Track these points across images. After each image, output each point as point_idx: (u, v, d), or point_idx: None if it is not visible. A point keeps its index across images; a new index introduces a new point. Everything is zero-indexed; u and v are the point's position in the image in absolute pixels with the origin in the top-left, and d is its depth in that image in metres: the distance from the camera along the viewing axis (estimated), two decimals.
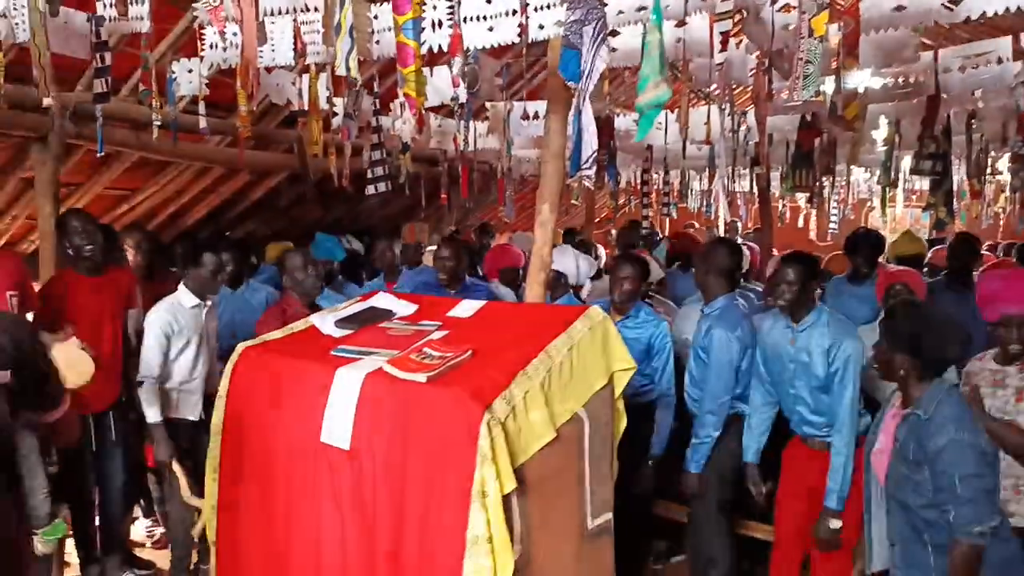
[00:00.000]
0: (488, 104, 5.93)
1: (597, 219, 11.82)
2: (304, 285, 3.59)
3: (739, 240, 8.72)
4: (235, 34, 3.69)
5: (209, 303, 3.66)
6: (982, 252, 4.94)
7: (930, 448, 2.14)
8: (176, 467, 3.37)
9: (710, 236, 8.61)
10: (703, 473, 3.32)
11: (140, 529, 4.38)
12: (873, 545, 2.55)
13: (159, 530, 4.38)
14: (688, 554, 3.74)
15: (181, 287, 3.60)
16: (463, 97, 4.25)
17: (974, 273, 4.51)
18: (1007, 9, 3.15)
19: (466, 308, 2.88)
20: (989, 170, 7.31)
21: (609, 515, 2.60)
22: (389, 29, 3.35)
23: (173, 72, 4.35)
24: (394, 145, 5.75)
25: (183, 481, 3.28)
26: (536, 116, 5.86)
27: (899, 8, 3.38)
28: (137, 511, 4.34)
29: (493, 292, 4.24)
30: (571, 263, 4.39)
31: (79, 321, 3.46)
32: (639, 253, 5.47)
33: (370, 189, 4.70)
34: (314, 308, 3.53)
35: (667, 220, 9.59)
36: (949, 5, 3.20)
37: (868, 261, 4.44)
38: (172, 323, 3.48)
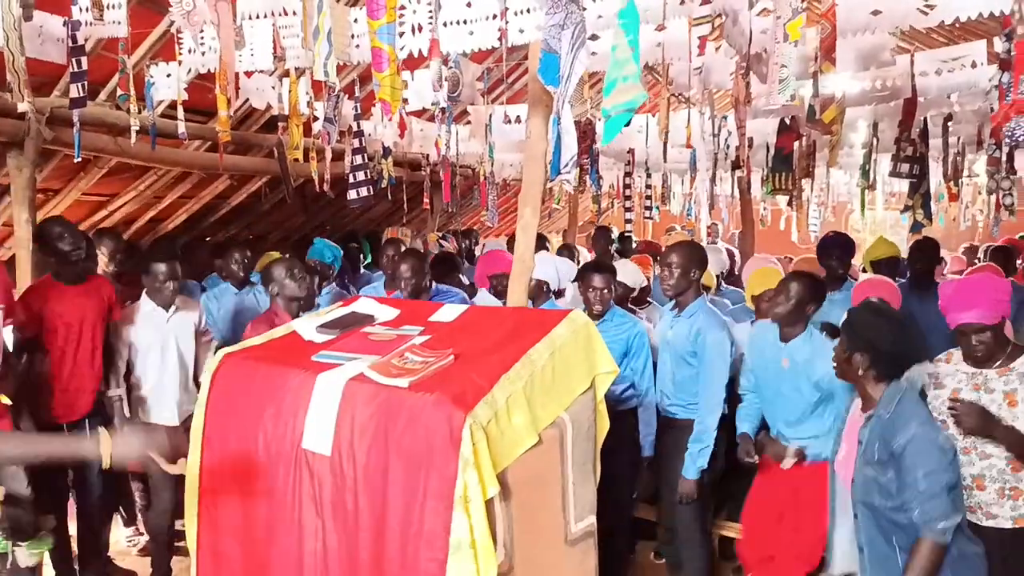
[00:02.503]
0: (470, 108, 5.93)
1: (580, 223, 11.85)
2: (289, 292, 3.57)
3: (719, 243, 8.78)
4: (213, 38, 3.67)
5: (175, 308, 3.73)
6: (941, 255, 5.00)
7: (894, 446, 2.18)
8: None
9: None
10: (699, 479, 3.28)
11: (121, 538, 4.33)
12: (835, 550, 2.60)
13: (142, 538, 4.34)
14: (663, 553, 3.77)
15: (143, 295, 3.74)
16: (444, 101, 4.25)
17: (936, 276, 4.59)
18: (980, 14, 3.20)
19: (448, 312, 2.88)
20: (966, 172, 7.42)
21: (592, 518, 2.60)
22: None
23: (151, 76, 4.32)
24: (376, 150, 5.73)
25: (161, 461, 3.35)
26: (518, 120, 5.87)
27: (875, 12, 3.42)
28: (118, 519, 4.30)
29: (465, 299, 4.22)
30: (551, 269, 4.39)
31: (59, 330, 3.42)
32: (644, 260, 5.47)
33: (352, 194, 4.68)
34: None
35: (650, 223, 9.63)
36: (924, 9, 3.24)
37: (841, 264, 4.45)
38: (131, 330, 3.66)
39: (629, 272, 4.24)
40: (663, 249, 4.88)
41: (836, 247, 4.46)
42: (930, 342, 2.71)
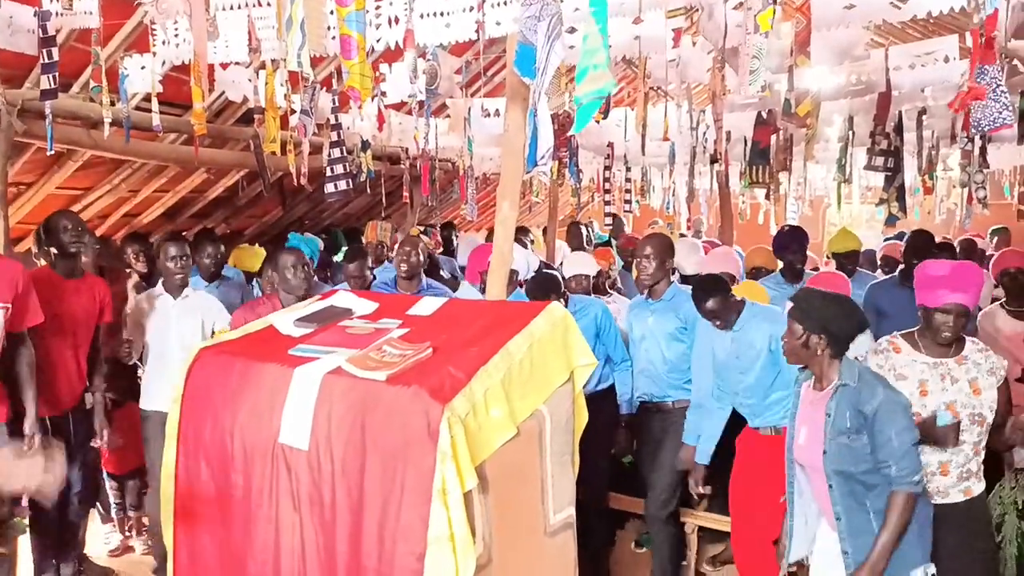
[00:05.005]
0: (448, 102, 5.90)
1: (560, 216, 11.84)
2: (291, 284, 3.61)
3: (703, 237, 8.83)
4: (187, 30, 3.63)
5: (185, 295, 3.87)
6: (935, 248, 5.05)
7: (867, 411, 2.34)
8: None
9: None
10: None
11: (99, 535, 4.29)
12: (793, 537, 2.65)
13: (116, 536, 4.31)
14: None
15: (160, 283, 3.95)
16: (421, 94, 4.23)
17: None
18: (951, 8, 3.24)
19: (426, 306, 2.87)
20: (941, 166, 7.50)
21: (571, 510, 2.62)
22: None
23: (125, 68, 4.25)
24: (354, 143, 5.69)
25: None
26: (497, 113, 5.85)
27: (849, 7, 3.44)
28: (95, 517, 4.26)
29: (449, 294, 4.27)
30: (520, 259, 4.46)
31: (51, 323, 3.36)
32: (605, 252, 5.53)
33: (329, 187, 4.65)
34: None
35: (631, 217, 9.64)
36: (897, 3, 3.28)
37: (798, 258, 4.55)
38: (144, 308, 3.88)
39: (584, 262, 4.41)
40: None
41: (793, 241, 4.57)
42: None
